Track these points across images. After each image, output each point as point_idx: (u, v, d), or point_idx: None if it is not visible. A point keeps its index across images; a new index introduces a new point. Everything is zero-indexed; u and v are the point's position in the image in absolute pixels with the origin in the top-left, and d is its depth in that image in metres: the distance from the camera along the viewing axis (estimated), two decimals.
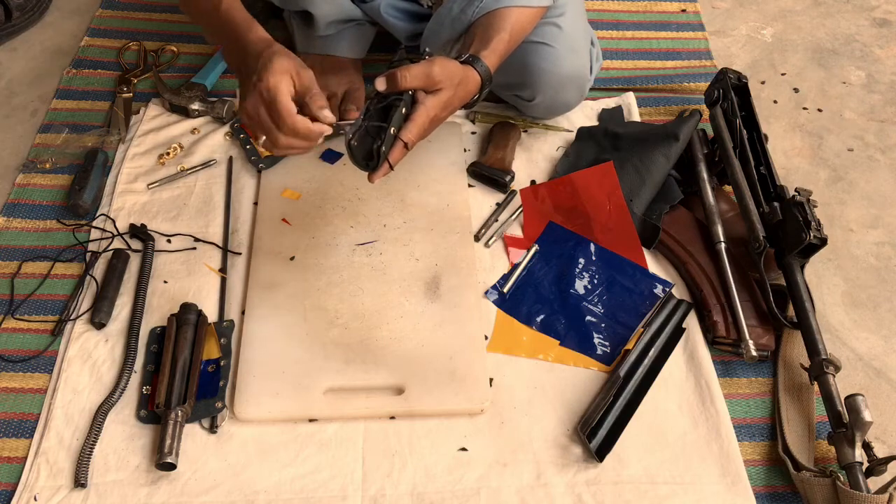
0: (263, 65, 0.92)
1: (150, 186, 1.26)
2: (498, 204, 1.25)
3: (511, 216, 1.23)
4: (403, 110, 0.99)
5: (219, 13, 1.02)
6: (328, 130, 0.94)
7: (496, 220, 1.23)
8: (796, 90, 1.50)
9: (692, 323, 1.11)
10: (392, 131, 0.97)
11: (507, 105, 1.38)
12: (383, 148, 0.96)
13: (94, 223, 1.21)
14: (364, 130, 0.97)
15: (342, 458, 0.98)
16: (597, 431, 0.98)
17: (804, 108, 1.47)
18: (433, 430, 1.00)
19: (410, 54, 1.09)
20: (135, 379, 1.04)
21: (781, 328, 1.10)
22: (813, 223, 1.06)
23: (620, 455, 0.98)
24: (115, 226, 1.20)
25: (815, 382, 1.02)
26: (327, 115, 0.94)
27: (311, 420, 1.00)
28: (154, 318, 1.10)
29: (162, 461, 0.94)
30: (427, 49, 1.08)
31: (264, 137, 0.95)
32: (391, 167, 0.99)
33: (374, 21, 1.37)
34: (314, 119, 0.94)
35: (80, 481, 0.94)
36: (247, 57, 0.97)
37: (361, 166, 0.98)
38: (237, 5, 1.04)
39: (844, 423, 0.95)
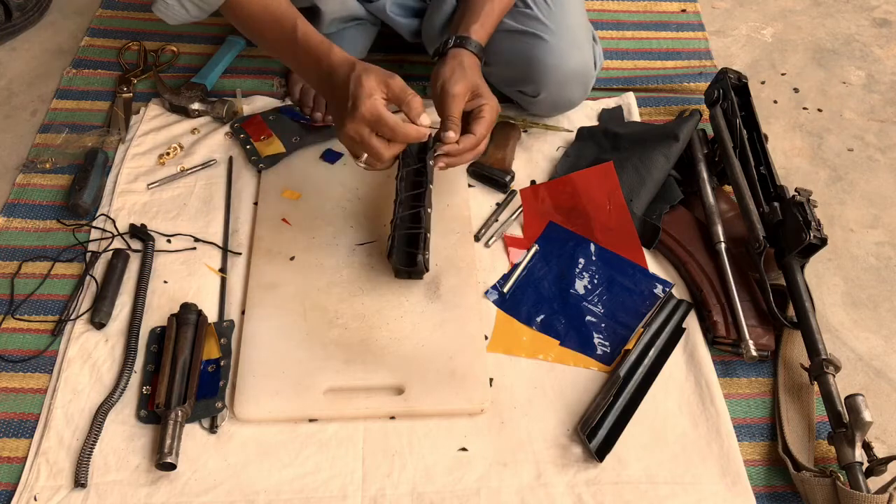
0: (355, 91, 0.99)
1: (150, 186, 1.26)
2: (498, 204, 1.25)
3: (511, 216, 1.23)
4: (431, 186, 1.10)
5: (296, 42, 1.07)
6: (427, 132, 1.03)
7: (496, 220, 1.23)
8: (796, 90, 1.50)
9: (692, 323, 1.11)
10: (428, 235, 1.08)
11: (507, 105, 1.38)
12: (427, 254, 1.07)
13: (94, 223, 1.21)
14: (397, 238, 1.08)
15: (342, 458, 0.98)
16: (597, 431, 0.98)
17: (804, 108, 1.47)
18: (433, 430, 1.00)
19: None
20: (135, 379, 1.04)
21: (781, 328, 1.10)
22: (813, 223, 1.06)
23: (620, 455, 0.98)
24: (115, 226, 1.20)
25: (815, 382, 1.02)
26: (424, 119, 1.02)
27: (311, 420, 1.00)
28: (154, 318, 1.10)
29: (162, 461, 0.94)
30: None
31: (366, 156, 1.03)
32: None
33: (376, 21, 1.37)
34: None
35: (80, 481, 0.94)
36: (334, 83, 1.03)
37: (403, 275, 1.10)
38: (311, 30, 1.08)
39: (844, 423, 0.95)
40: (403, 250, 1.08)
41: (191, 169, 1.28)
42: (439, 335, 1.07)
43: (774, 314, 1.08)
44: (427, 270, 1.08)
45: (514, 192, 1.27)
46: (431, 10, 1.29)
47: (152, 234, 1.19)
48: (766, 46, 1.60)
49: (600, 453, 0.97)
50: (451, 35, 1.16)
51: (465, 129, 1.11)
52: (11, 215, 1.24)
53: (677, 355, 1.08)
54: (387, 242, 1.10)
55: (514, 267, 1.17)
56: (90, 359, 1.06)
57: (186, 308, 1.07)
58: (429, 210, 1.10)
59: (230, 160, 1.30)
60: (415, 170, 1.12)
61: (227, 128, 1.35)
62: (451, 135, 1.07)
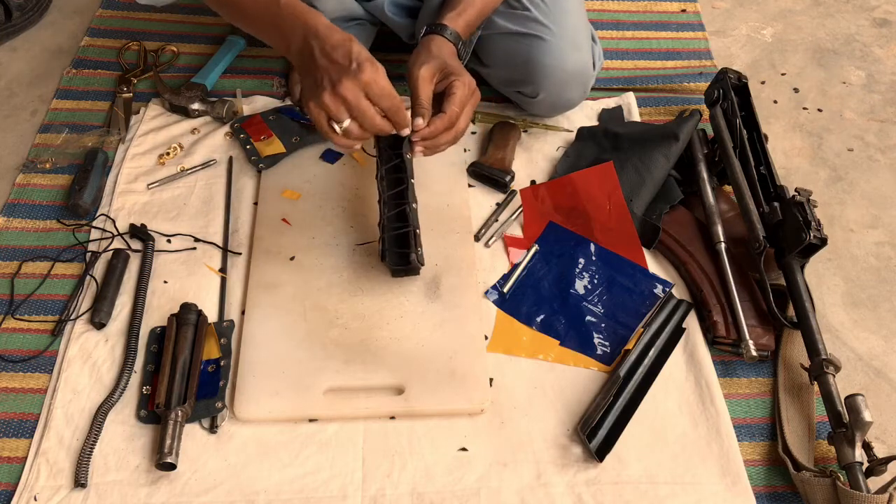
0: (359, 55, 0.98)
1: (150, 186, 1.26)
2: (498, 204, 1.25)
3: (511, 216, 1.23)
4: (413, 181, 1.09)
5: (279, 6, 1.04)
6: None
7: (496, 220, 1.23)
8: (796, 90, 1.50)
9: (692, 323, 1.11)
10: (417, 231, 1.07)
11: (507, 105, 1.39)
12: (420, 250, 1.07)
13: (94, 223, 1.21)
14: (387, 240, 1.07)
15: (342, 458, 0.98)
16: (597, 431, 0.98)
17: (804, 108, 1.47)
18: (433, 430, 1.00)
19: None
20: (135, 379, 1.04)
21: (781, 328, 1.10)
22: (813, 223, 1.06)
23: (620, 455, 0.98)
24: (115, 226, 1.20)
25: (815, 382, 1.02)
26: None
27: (311, 420, 1.00)
28: (154, 318, 1.10)
29: (162, 461, 0.94)
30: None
31: (349, 121, 0.98)
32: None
33: (376, 21, 1.37)
34: None
35: (80, 481, 0.94)
36: (325, 45, 0.99)
37: (400, 274, 1.09)
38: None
39: (844, 423, 0.95)
40: (395, 251, 1.07)
41: (191, 169, 1.28)
42: (439, 335, 1.07)
43: (774, 314, 1.08)
44: (422, 265, 1.08)
45: (514, 192, 1.27)
46: (423, 9, 1.29)
47: (152, 234, 1.19)
48: (766, 46, 1.60)
49: (600, 453, 0.97)
50: (427, 24, 1.15)
51: (439, 110, 1.08)
52: (11, 215, 1.24)
53: (677, 355, 1.08)
54: (378, 245, 1.10)
55: (514, 267, 1.17)
56: (90, 359, 1.06)
57: (186, 308, 1.07)
58: (414, 206, 1.09)
59: (230, 160, 1.30)
60: (393, 166, 1.10)
61: (227, 128, 1.35)
62: (419, 121, 1.05)
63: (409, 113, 1.04)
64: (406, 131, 1.03)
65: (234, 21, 1.18)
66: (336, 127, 0.99)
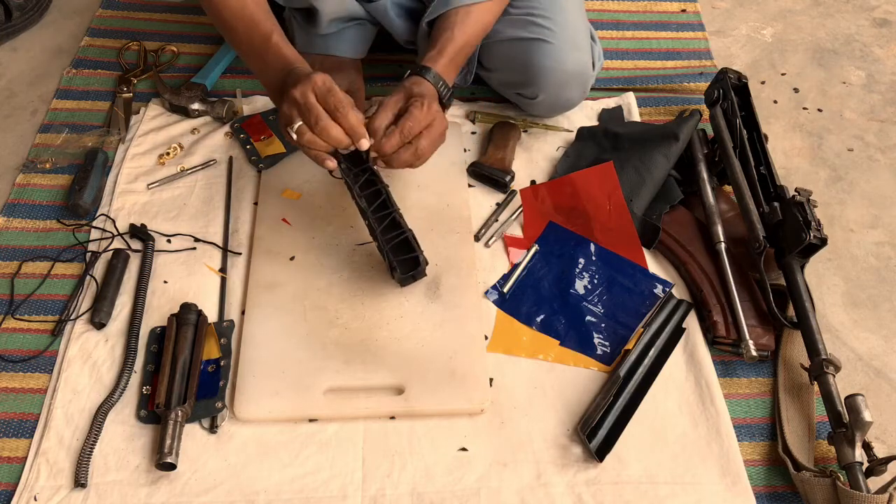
0: (310, 72, 1.03)
1: (150, 186, 1.26)
2: (498, 204, 1.25)
3: (511, 216, 1.23)
4: (388, 187, 1.09)
5: (269, 45, 1.10)
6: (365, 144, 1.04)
7: (496, 220, 1.23)
8: (796, 90, 1.50)
9: (692, 323, 1.11)
10: (413, 234, 1.07)
11: (506, 105, 1.39)
12: (423, 253, 1.07)
13: (94, 223, 1.21)
14: (387, 251, 1.06)
15: (342, 458, 0.98)
16: (597, 431, 0.98)
17: (804, 108, 1.47)
18: (433, 430, 1.00)
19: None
20: (135, 379, 1.04)
21: (781, 328, 1.10)
22: (813, 223, 1.06)
23: (620, 455, 0.98)
24: (115, 226, 1.20)
25: (815, 382, 1.02)
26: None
27: (311, 420, 1.00)
28: (154, 318, 1.10)
29: (162, 461, 0.94)
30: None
31: (300, 123, 1.00)
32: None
33: (375, 21, 1.37)
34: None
35: (80, 481, 0.94)
36: (296, 75, 1.04)
37: (409, 281, 1.08)
38: (285, 41, 1.11)
39: (844, 423, 0.95)
40: (402, 259, 1.07)
41: (191, 169, 1.28)
42: (439, 335, 1.07)
43: (774, 314, 1.08)
44: (427, 263, 1.07)
45: (514, 192, 1.27)
46: (419, 32, 1.28)
47: (152, 234, 1.19)
48: (766, 46, 1.60)
49: (600, 453, 0.97)
50: (412, 68, 1.14)
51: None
52: (11, 215, 1.24)
53: (677, 355, 1.08)
54: (385, 262, 1.09)
55: (514, 267, 1.17)
56: (90, 359, 1.06)
57: (186, 308, 1.07)
58: (399, 210, 1.09)
59: (230, 160, 1.30)
60: (365, 181, 1.09)
61: (227, 128, 1.35)
62: (364, 142, 1.03)
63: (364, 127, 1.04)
64: (364, 143, 1.03)
65: (227, 41, 1.19)
66: (290, 131, 1.02)
